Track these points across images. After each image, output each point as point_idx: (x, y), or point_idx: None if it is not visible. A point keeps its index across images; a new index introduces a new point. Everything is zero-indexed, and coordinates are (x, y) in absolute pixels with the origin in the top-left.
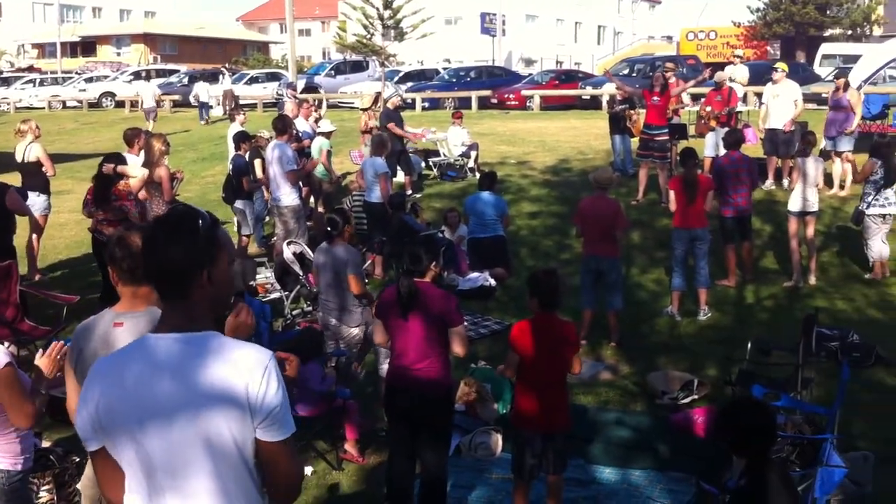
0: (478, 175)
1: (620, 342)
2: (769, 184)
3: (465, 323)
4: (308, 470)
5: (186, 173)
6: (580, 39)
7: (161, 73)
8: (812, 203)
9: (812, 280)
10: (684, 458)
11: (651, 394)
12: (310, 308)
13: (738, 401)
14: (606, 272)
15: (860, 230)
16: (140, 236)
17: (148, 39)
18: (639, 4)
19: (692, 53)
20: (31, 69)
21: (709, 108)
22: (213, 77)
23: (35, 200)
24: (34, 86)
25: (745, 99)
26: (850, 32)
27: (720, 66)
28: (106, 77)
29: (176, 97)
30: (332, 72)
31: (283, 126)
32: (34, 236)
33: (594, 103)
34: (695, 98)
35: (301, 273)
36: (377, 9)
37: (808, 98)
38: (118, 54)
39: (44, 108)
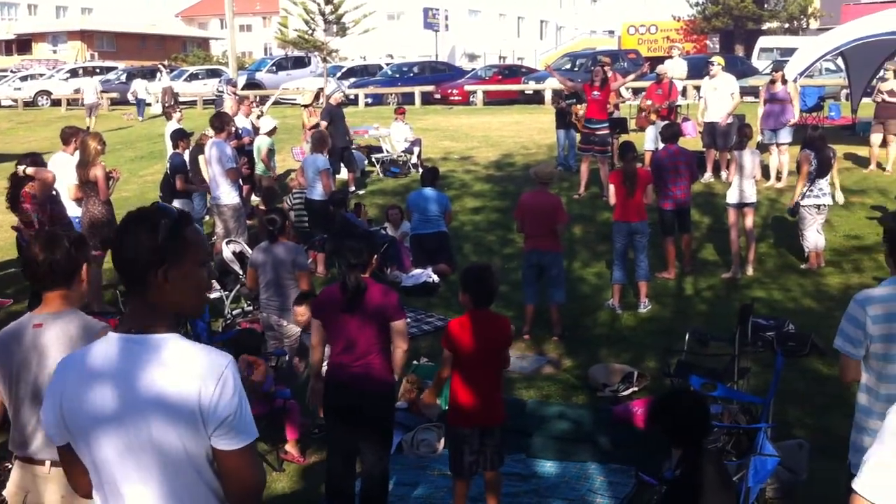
0: (421, 171)
1: (563, 336)
2: (707, 176)
3: (408, 319)
4: None
5: (124, 172)
6: (523, 34)
7: (98, 71)
8: (749, 195)
9: (750, 271)
10: (625, 449)
11: (592, 387)
12: (250, 308)
13: (672, 391)
14: (548, 266)
15: (796, 221)
16: (40, 244)
17: (85, 36)
18: None
19: (633, 48)
20: None
21: (649, 102)
22: (151, 74)
23: None
24: None
25: (684, 93)
26: (787, 26)
27: (660, 60)
28: (41, 75)
29: (114, 95)
30: (274, 68)
31: (220, 124)
32: None
33: (537, 98)
34: (636, 92)
35: (241, 272)
36: (318, 4)
37: (746, 91)
38: (54, 52)
39: None
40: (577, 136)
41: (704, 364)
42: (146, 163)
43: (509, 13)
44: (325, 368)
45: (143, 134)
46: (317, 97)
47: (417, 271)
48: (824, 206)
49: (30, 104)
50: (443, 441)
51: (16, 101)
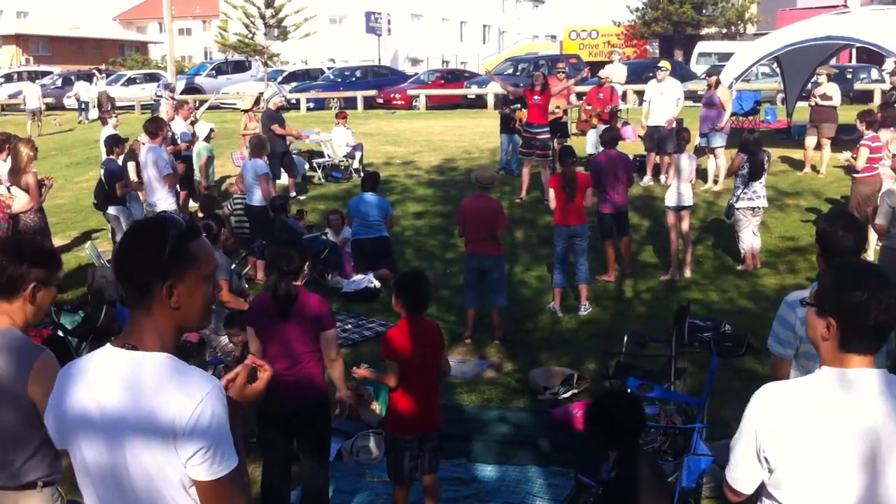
0: (362, 176)
1: (504, 339)
2: (647, 179)
3: (349, 325)
4: None
5: (59, 179)
6: (466, 38)
7: (34, 75)
8: (687, 198)
9: (688, 273)
10: (564, 451)
11: (533, 390)
12: None
13: (607, 393)
14: (489, 270)
15: (732, 223)
16: None
17: (20, 40)
18: (523, 4)
19: (575, 52)
20: None
21: (589, 107)
22: (88, 78)
23: None
24: None
25: (624, 97)
26: (725, 31)
27: (601, 65)
28: None
29: (49, 100)
30: (214, 72)
31: (155, 129)
32: None
33: (480, 102)
34: (578, 96)
35: None
36: (259, 8)
37: (685, 95)
38: None
39: None
40: (520, 141)
41: (642, 365)
42: (82, 169)
43: (452, 17)
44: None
45: (80, 140)
46: (257, 102)
47: (358, 277)
48: (759, 208)
49: None
50: (382, 447)
51: None
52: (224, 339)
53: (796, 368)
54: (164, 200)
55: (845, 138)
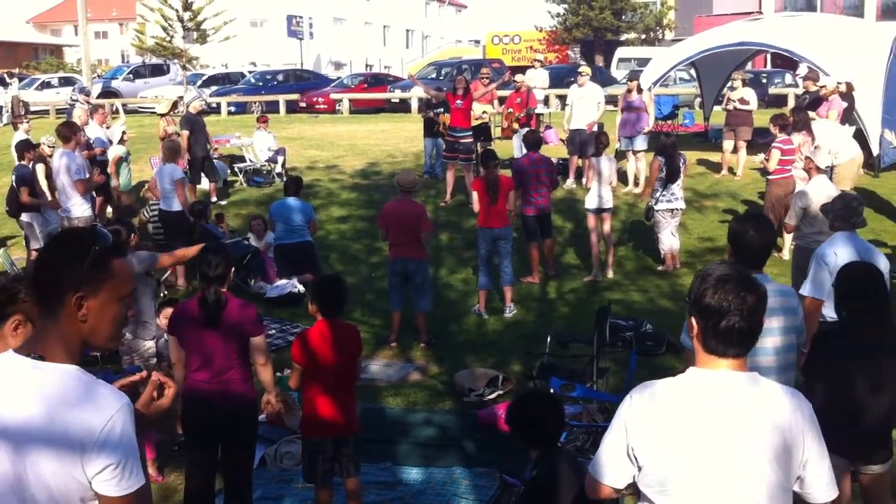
0: (285, 180)
1: (430, 342)
2: (570, 182)
3: (273, 330)
4: None
5: None
6: (389, 43)
7: None
8: (607, 200)
9: (610, 274)
10: (490, 452)
11: (458, 392)
12: None
13: (526, 394)
14: (413, 274)
15: (652, 225)
16: None
17: None
18: (446, 9)
19: (498, 57)
20: None
21: (510, 111)
22: (0, 82)
23: None
24: None
25: (547, 102)
26: (644, 37)
27: (524, 70)
28: None
29: None
30: (131, 76)
31: (68, 133)
32: None
33: (404, 107)
34: (501, 101)
35: None
36: (176, 10)
37: (605, 100)
38: None
39: None
40: (444, 145)
41: (566, 365)
42: None
43: (375, 22)
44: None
45: None
46: (175, 106)
47: (282, 282)
48: (677, 209)
49: None
50: None
51: None
52: (146, 345)
53: None
54: (78, 207)
55: (761, 141)
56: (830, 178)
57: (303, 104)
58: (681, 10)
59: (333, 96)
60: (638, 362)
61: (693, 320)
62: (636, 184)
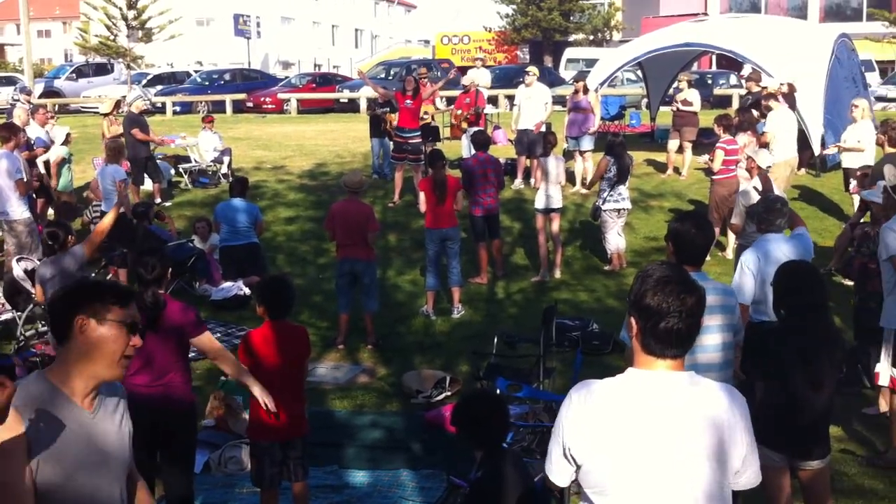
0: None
1: (377, 344)
2: (518, 183)
3: (218, 334)
4: None
5: None
6: (338, 42)
7: None
8: (555, 200)
9: (557, 274)
10: (437, 454)
11: (406, 393)
12: (45, 328)
13: (470, 395)
14: (361, 275)
15: (599, 225)
16: None
17: None
18: (395, 8)
19: (447, 57)
20: None
21: (459, 112)
22: None
23: None
24: None
25: (495, 102)
26: (592, 37)
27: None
28: None
29: None
30: (74, 75)
31: (8, 134)
32: None
33: (352, 106)
34: (449, 101)
35: (34, 291)
36: (120, 9)
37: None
38: None
39: None
40: (392, 145)
41: (513, 366)
42: None
43: (323, 21)
44: None
45: None
46: (118, 105)
47: (227, 284)
48: (624, 209)
49: None
50: None
51: None
52: None
53: None
54: (17, 208)
55: (706, 141)
56: None
57: (250, 104)
58: (628, 11)
59: (281, 96)
60: (584, 362)
61: (632, 320)
62: (583, 184)
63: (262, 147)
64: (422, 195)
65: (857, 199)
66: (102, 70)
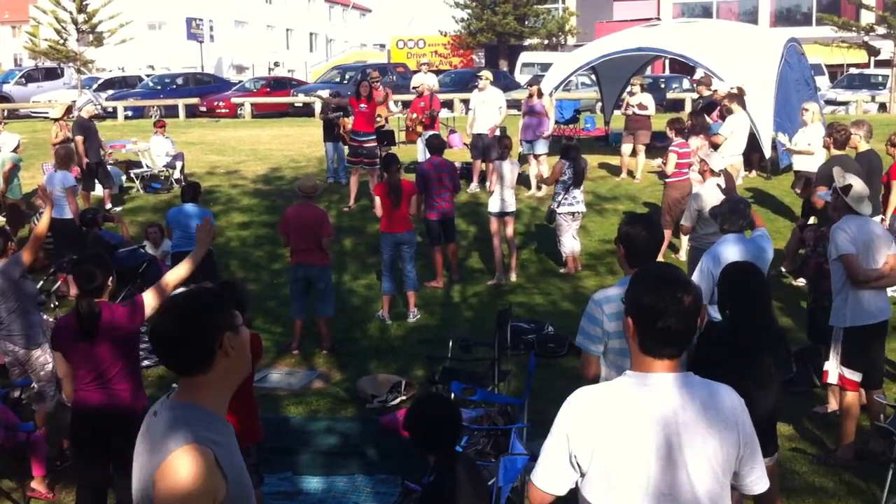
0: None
1: (332, 349)
2: (474, 186)
3: None
4: None
5: None
6: (293, 46)
7: None
8: (510, 204)
9: (513, 277)
10: (393, 459)
11: (361, 398)
12: None
13: (422, 398)
14: (316, 280)
15: (554, 228)
16: None
17: None
18: (350, 12)
19: (402, 61)
20: None
21: (414, 115)
22: None
23: None
24: None
25: (451, 106)
26: (546, 42)
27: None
28: None
29: None
30: (23, 80)
31: None
32: None
33: (307, 111)
34: (405, 105)
35: None
36: (70, 13)
37: (508, 104)
38: None
39: None
40: (346, 149)
41: (468, 369)
42: None
43: (278, 25)
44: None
45: None
46: (69, 110)
47: (180, 290)
48: (578, 213)
49: None
50: None
51: None
52: (37, 354)
53: (606, 365)
54: None
55: (659, 145)
56: None
57: (203, 108)
58: (582, 16)
59: (235, 100)
60: (539, 364)
61: (629, 320)
62: (538, 187)
63: (215, 152)
64: (377, 199)
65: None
66: (52, 74)
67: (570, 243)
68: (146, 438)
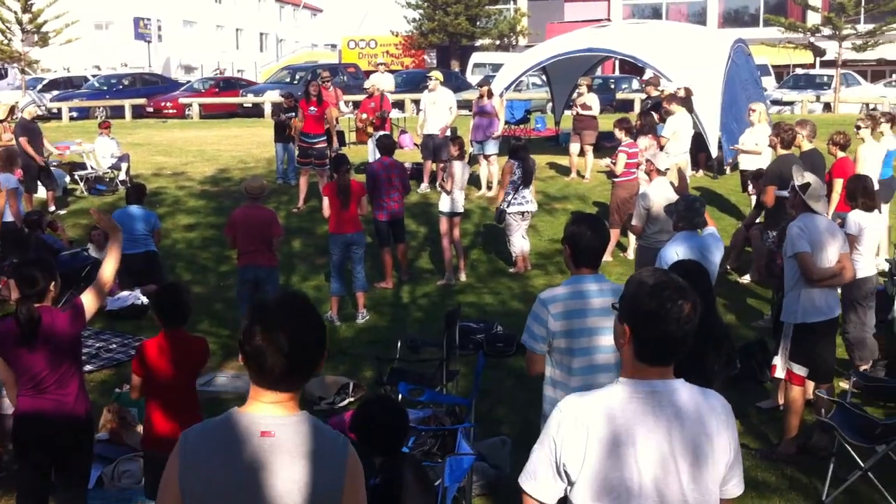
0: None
1: None
2: (424, 187)
3: (115, 344)
4: None
5: None
6: (242, 46)
7: None
8: (460, 204)
9: (463, 277)
10: None
11: (309, 400)
12: None
13: (367, 399)
14: (264, 282)
15: (503, 228)
16: None
17: None
18: (301, 12)
19: (354, 62)
20: None
21: (364, 116)
22: None
23: None
24: None
25: (402, 106)
26: (498, 42)
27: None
28: None
29: None
30: None
31: None
32: None
33: (257, 111)
34: (355, 106)
35: None
36: (15, 12)
37: (460, 105)
38: None
39: None
40: (297, 150)
41: (416, 370)
42: None
43: (227, 25)
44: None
45: None
46: (12, 111)
47: (124, 293)
48: (528, 212)
49: None
50: None
51: None
52: None
53: (552, 364)
54: None
55: (607, 145)
56: None
57: (150, 109)
58: (534, 16)
59: (182, 101)
60: (488, 364)
61: (625, 327)
62: (489, 187)
63: (162, 153)
64: (325, 200)
65: (753, 199)
66: None
67: (520, 243)
68: (285, 452)
